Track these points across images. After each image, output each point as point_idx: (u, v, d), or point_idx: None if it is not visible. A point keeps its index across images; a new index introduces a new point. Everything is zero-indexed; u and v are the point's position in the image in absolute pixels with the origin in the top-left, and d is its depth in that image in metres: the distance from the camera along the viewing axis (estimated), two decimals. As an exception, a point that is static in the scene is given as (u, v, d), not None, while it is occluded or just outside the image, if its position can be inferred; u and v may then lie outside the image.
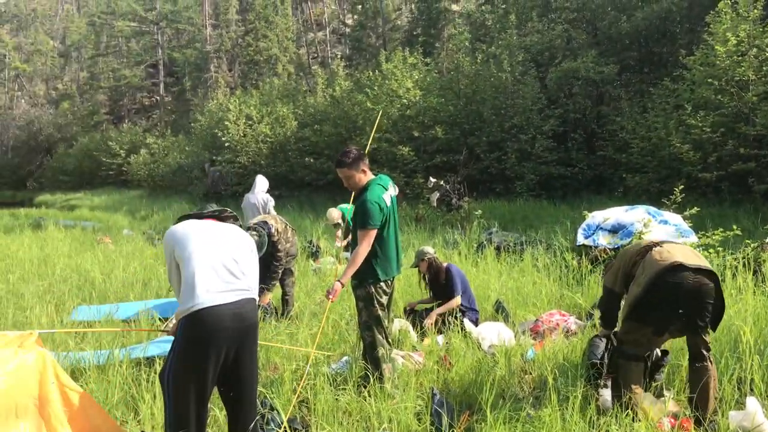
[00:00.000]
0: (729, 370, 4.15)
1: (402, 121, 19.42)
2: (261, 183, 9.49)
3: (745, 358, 4.26)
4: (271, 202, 9.29)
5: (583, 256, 7.71)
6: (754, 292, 5.72)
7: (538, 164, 16.53)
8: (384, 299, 4.38)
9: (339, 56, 38.78)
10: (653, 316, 3.74)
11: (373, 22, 35.06)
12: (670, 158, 13.32)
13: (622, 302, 4.07)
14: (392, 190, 4.50)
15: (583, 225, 8.95)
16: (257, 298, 3.38)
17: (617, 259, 4.17)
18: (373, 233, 4.20)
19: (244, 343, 3.24)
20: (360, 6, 35.95)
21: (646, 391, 4.06)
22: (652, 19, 17.65)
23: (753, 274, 6.25)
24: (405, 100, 19.84)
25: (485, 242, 9.27)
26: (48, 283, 7.88)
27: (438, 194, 13.48)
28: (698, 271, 3.67)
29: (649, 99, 15.68)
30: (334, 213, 9.57)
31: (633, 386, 3.76)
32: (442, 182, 13.83)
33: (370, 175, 4.42)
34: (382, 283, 4.34)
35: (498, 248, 8.84)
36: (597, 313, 5.55)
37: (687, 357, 4.29)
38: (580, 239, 8.66)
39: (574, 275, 7.18)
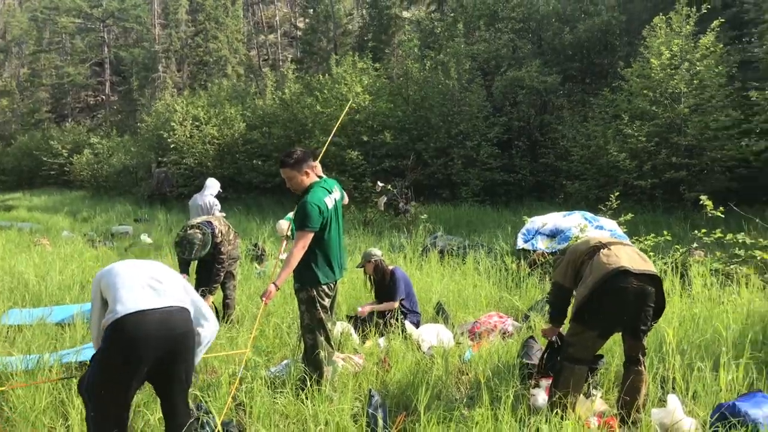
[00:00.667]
0: (653, 369, 4.36)
1: (351, 126, 19.50)
2: (211, 186, 9.41)
3: (668, 358, 4.48)
4: (217, 206, 9.22)
5: (522, 260, 7.94)
6: (681, 295, 6.02)
7: (482, 170, 16.86)
8: (326, 302, 4.41)
9: (290, 59, 38.61)
10: (598, 320, 3.82)
11: (325, 26, 35.07)
12: (608, 166, 13.81)
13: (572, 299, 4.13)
14: (337, 194, 4.51)
15: (523, 230, 9.21)
16: (189, 309, 3.30)
17: (567, 255, 4.20)
18: (310, 236, 4.21)
19: (175, 353, 3.14)
20: (312, 10, 35.95)
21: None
22: (593, 32, 18.26)
23: (680, 278, 6.56)
24: (354, 105, 19.92)
25: (430, 246, 9.42)
26: (-22, 285, 7.61)
27: (385, 198, 13.60)
28: (642, 276, 3.76)
29: (590, 108, 16.21)
30: (284, 225, 9.56)
31: (574, 389, 3.84)
32: (389, 187, 13.95)
33: (314, 178, 4.44)
34: (324, 286, 4.37)
35: (442, 252, 9.00)
36: (534, 315, 5.76)
37: (616, 357, 4.52)
38: (520, 243, 8.91)
39: (513, 278, 7.37)
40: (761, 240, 6.98)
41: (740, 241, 7.04)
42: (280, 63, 40.89)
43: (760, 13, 13.82)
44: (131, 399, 3.13)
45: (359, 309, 5.96)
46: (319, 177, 4.51)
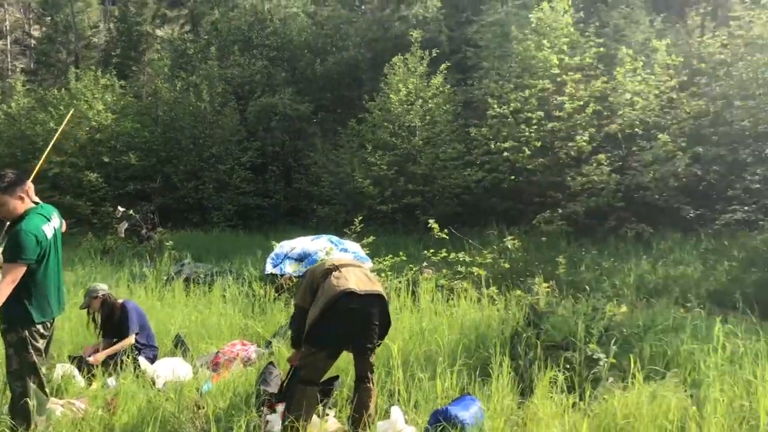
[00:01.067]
0: (381, 383, 4.64)
1: (91, 145, 18.02)
2: None
3: (394, 372, 4.83)
4: None
5: (269, 285, 8.00)
6: (411, 310, 6.53)
7: (236, 194, 16.76)
8: (41, 343, 3.97)
9: (21, 69, 34.56)
10: (327, 340, 3.96)
11: (65, 37, 32.06)
12: (354, 191, 14.64)
13: None
14: (56, 221, 4.12)
15: (272, 254, 9.28)
16: None
17: (306, 278, 4.29)
18: (23, 269, 3.76)
19: None
20: (49, 18, 32.59)
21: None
22: (342, 65, 19.30)
23: (411, 295, 7.12)
24: (95, 123, 18.45)
25: (174, 275, 9.04)
26: None
27: (126, 224, 12.74)
28: (368, 296, 3.98)
29: (340, 137, 17.04)
30: None
31: (307, 411, 3.93)
32: (131, 212, 13.11)
33: (29, 203, 4.01)
34: (38, 326, 3.93)
35: (187, 280, 8.69)
36: (276, 341, 5.81)
37: (349, 377, 4.74)
38: (269, 268, 8.95)
39: (259, 304, 7.37)
40: (478, 258, 7.93)
41: (461, 259, 7.90)
42: (9, 72, 36.36)
43: (479, 60, 15.88)
44: None
45: (90, 359, 5.42)
46: (35, 203, 4.09)
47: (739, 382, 4.16)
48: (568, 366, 4.60)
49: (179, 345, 5.99)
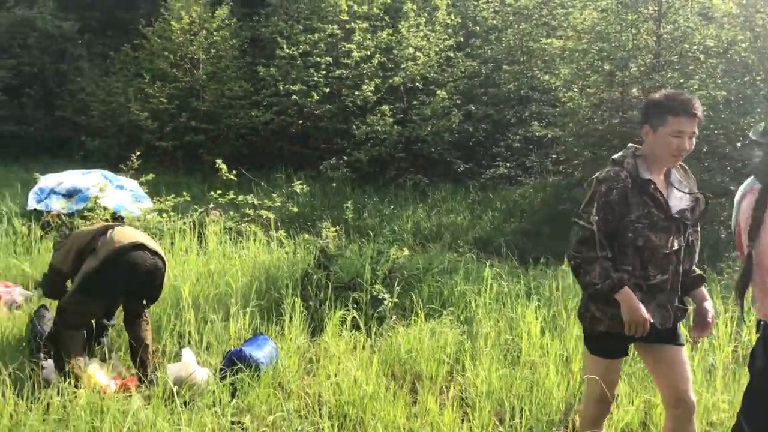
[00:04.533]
0: (170, 326, 4.56)
1: None
2: None
3: (183, 314, 4.75)
4: None
5: (34, 222, 7.25)
6: (198, 252, 6.41)
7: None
8: None
9: None
10: (106, 290, 3.90)
11: None
12: (130, 125, 13.61)
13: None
14: None
15: (35, 188, 8.48)
16: None
17: (70, 239, 4.13)
18: None
19: None
20: None
21: (91, 355, 4.14)
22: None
23: (198, 237, 6.97)
24: None
25: None
26: None
27: None
28: (155, 253, 3.99)
29: (111, 64, 15.57)
30: None
31: (75, 354, 3.78)
32: None
33: None
34: None
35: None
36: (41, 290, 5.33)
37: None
38: (32, 204, 8.18)
39: (23, 243, 6.70)
40: (266, 201, 7.96)
41: (250, 202, 7.86)
42: None
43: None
44: None
45: None
46: None
47: (503, 318, 4.81)
48: (355, 306, 4.92)
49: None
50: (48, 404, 3.39)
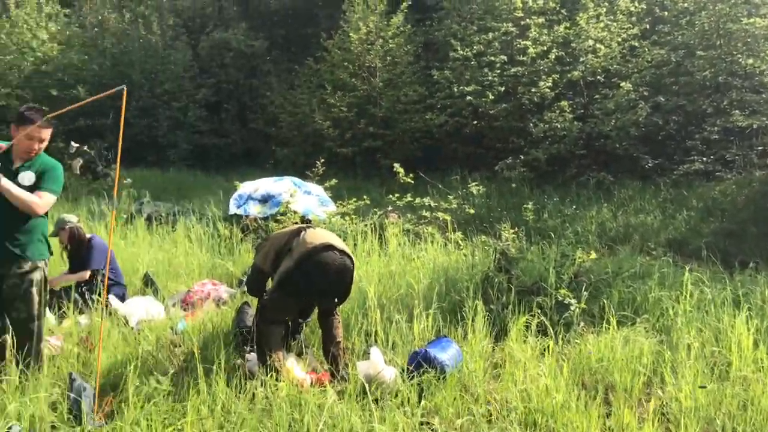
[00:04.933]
0: (358, 325, 4.71)
1: (37, 77, 17.10)
2: None
3: (370, 313, 4.89)
4: None
5: (235, 226, 7.91)
6: (379, 254, 6.59)
7: (191, 133, 16.29)
8: None
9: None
10: (300, 289, 4.07)
11: (-3, -42, 29.85)
12: (314, 134, 14.42)
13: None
14: None
15: (235, 195, 9.18)
16: None
17: (269, 241, 4.42)
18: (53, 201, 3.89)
19: None
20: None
21: (288, 350, 4.40)
22: (297, 1, 18.67)
23: (378, 239, 7.17)
24: (40, 54, 17.47)
25: (135, 213, 8.83)
26: None
27: (81, 161, 12.27)
28: (343, 252, 4.13)
29: (296, 76, 16.64)
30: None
31: (275, 349, 4.02)
32: (85, 148, 12.61)
33: None
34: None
35: (149, 219, 8.51)
36: (245, 288, 5.78)
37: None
38: (233, 209, 8.87)
39: (226, 244, 7.32)
40: (442, 203, 8.01)
41: (426, 204, 7.95)
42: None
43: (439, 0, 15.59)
44: None
45: (51, 281, 5.35)
46: None
47: (707, 328, 4.37)
48: (540, 311, 4.74)
49: (149, 284, 5.91)
50: (253, 395, 3.65)
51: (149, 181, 12.76)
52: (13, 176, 3.72)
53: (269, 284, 4.36)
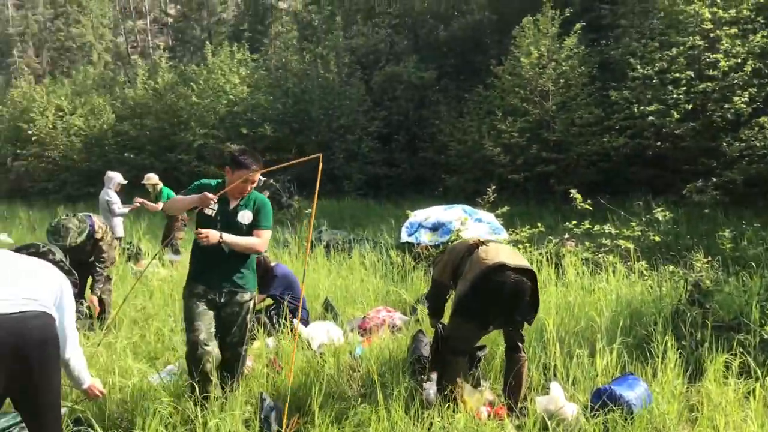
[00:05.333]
0: (536, 358, 4.54)
1: (230, 118, 18.95)
2: (107, 180, 8.84)
3: (549, 347, 4.70)
4: (115, 204, 8.64)
5: (407, 253, 8.06)
6: (556, 284, 6.34)
7: (364, 164, 16.99)
8: None
9: (161, 47, 36.85)
10: (478, 312, 3.96)
11: (198, 14, 33.80)
12: (483, 160, 14.36)
13: (449, 295, 4.31)
14: None
15: (407, 223, 9.36)
16: (52, 313, 2.89)
17: (446, 254, 4.37)
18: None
19: (32, 365, 2.72)
20: (182, -4, 34.50)
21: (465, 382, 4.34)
22: (466, 30, 18.89)
23: (555, 268, 6.90)
24: (232, 96, 19.36)
25: (315, 241, 9.33)
26: None
27: (268, 193, 13.30)
28: (519, 270, 3.94)
29: (465, 104, 16.76)
30: (154, 177, 9.73)
31: (458, 380, 3.96)
32: (272, 181, 13.68)
33: None
34: None
35: (327, 246, 8.94)
36: (421, 308, 5.83)
37: (502, 348, 4.68)
38: (404, 237, 9.03)
39: (398, 272, 7.45)
40: (624, 230, 7.53)
41: (606, 231, 7.54)
42: (151, 51, 38.93)
43: (615, 18, 14.93)
44: None
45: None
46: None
47: None
48: (741, 349, 4.26)
49: (329, 309, 6.17)
50: (431, 423, 3.63)
51: (326, 211, 13.45)
52: (232, 215, 4.00)
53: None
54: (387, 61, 19.13)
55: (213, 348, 3.93)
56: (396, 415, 3.63)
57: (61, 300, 3.01)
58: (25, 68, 34.12)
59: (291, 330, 5.37)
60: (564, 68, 13.83)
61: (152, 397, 3.97)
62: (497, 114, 14.36)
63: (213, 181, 4.15)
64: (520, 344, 4.06)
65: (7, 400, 2.84)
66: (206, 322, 3.94)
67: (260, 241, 4.00)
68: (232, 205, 4.03)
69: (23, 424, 3.21)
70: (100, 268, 5.88)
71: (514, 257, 4.07)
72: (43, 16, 38.66)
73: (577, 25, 13.88)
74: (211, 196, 3.80)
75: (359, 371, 4.77)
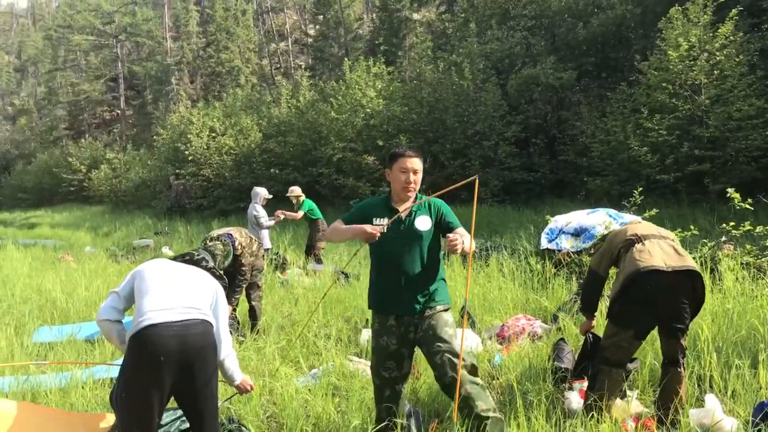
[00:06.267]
0: (689, 368, 4.24)
1: (366, 131, 19.50)
2: (254, 195, 9.46)
3: (703, 356, 4.37)
4: (263, 218, 9.21)
5: (547, 260, 7.83)
6: (712, 290, 5.88)
7: (501, 170, 16.75)
8: None
9: (302, 66, 38.75)
10: (631, 319, 3.73)
11: (335, 32, 35.15)
12: (629, 161, 13.62)
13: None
14: None
15: (546, 229, 9.07)
16: (210, 320, 3.16)
17: (606, 242, 4.15)
18: None
19: (193, 368, 2.99)
20: (321, 16, 36.04)
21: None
22: (607, 26, 18.06)
23: (710, 273, 6.41)
24: (368, 109, 19.92)
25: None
26: (7, 305, 7.67)
27: (404, 203, 13.54)
28: (676, 273, 3.65)
29: (607, 103, 16.02)
30: (297, 190, 10.11)
31: (610, 392, 3.75)
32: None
33: None
34: None
35: (464, 255, 8.89)
36: (563, 316, 5.65)
37: (649, 356, 4.41)
38: (544, 243, 8.76)
39: (538, 279, 7.27)
40: (792, 231, 6.83)
41: (770, 233, 6.88)
42: (292, 71, 41.05)
43: (778, -1, 13.61)
44: (155, 418, 2.98)
45: None
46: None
47: None
48: None
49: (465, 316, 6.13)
50: (572, 433, 3.51)
51: (462, 218, 13.33)
52: (406, 224, 3.52)
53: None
54: (523, 64, 18.75)
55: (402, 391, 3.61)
56: (536, 424, 3.54)
57: (216, 305, 3.30)
58: (182, 94, 37.35)
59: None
60: (718, 58, 12.78)
61: (300, 399, 4.17)
62: (643, 112, 13.55)
63: (376, 199, 3.84)
64: (680, 358, 3.76)
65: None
66: (398, 362, 3.57)
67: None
68: (404, 214, 3.54)
69: (183, 418, 3.51)
70: (238, 279, 6.06)
71: (673, 257, 3.75)
72: (196, 45, 42.08)
73: (733, 11, 12.78)
74: (377, 230, 3.32)
75: (498, 379, 4.71)
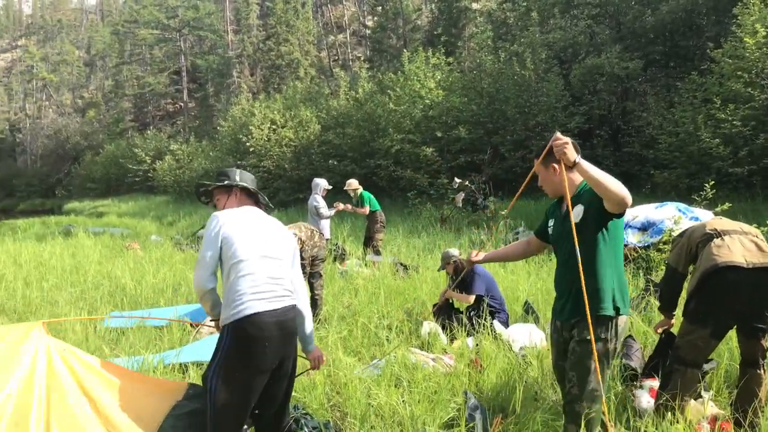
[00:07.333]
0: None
1: (425, 122, 19.38)
2: (314, 186, 9.52)
3: None
4: (323, 209, 9.26)
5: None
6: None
7: (563, 162, 16.37)
8: None
9: (360, 58, 38.91)
10: (708, 317, 3.57)
11: (394, 23, 35.07)
12: (699, 153, 13.08)
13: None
14: None
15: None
16: (296, 303, 3.20)
17: (684, 238, 3.96)
18: None
19: (287, 354, 3.08)
20: (380, 7, 36.01)
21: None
22: (677, 13, 17.37)
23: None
24: (427, 101, 19.79)
25: (512, 242, 9.18)
26: (80, 290, 7.97)
27: (463, 195, 13.39)
28: (757, 270, 3.48)
29: (676, 93, 15.43)
30: (355, 183, 10.16)
31: (683, 392, 3.60)
32: (467, 182, 13.74)
33: None
34: None
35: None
36: (629, 312, 5.46)
37: (725, 356, 4.22)
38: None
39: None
40: None
41: None
42: (351, 62, 41.26)
43: None
44: (251, 406, 3.02)
45: (442, 295, 5.95)
46: None
47: None
48: None
49: (529, 311, 6.02)
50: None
51: (523, 211, 13.15)
52: (567, 219, 3.20)
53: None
54: (587, 54, 18.26)
55: None
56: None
57: (294, 257, 3.36)
58: (243, 86, 38.05)
59: (492, 331, 5.32)
60: (798, 45, 12.14)
61: (363, 388, 4.16)
62: (715, 102, 12.98)
63: None
64: (761, 360, 3.57)
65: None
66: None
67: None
68: (563, 207, 3.25)
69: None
70: None
71: (754, 254, 3.56)
72: (256, 38, 42.76)
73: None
74: None
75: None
